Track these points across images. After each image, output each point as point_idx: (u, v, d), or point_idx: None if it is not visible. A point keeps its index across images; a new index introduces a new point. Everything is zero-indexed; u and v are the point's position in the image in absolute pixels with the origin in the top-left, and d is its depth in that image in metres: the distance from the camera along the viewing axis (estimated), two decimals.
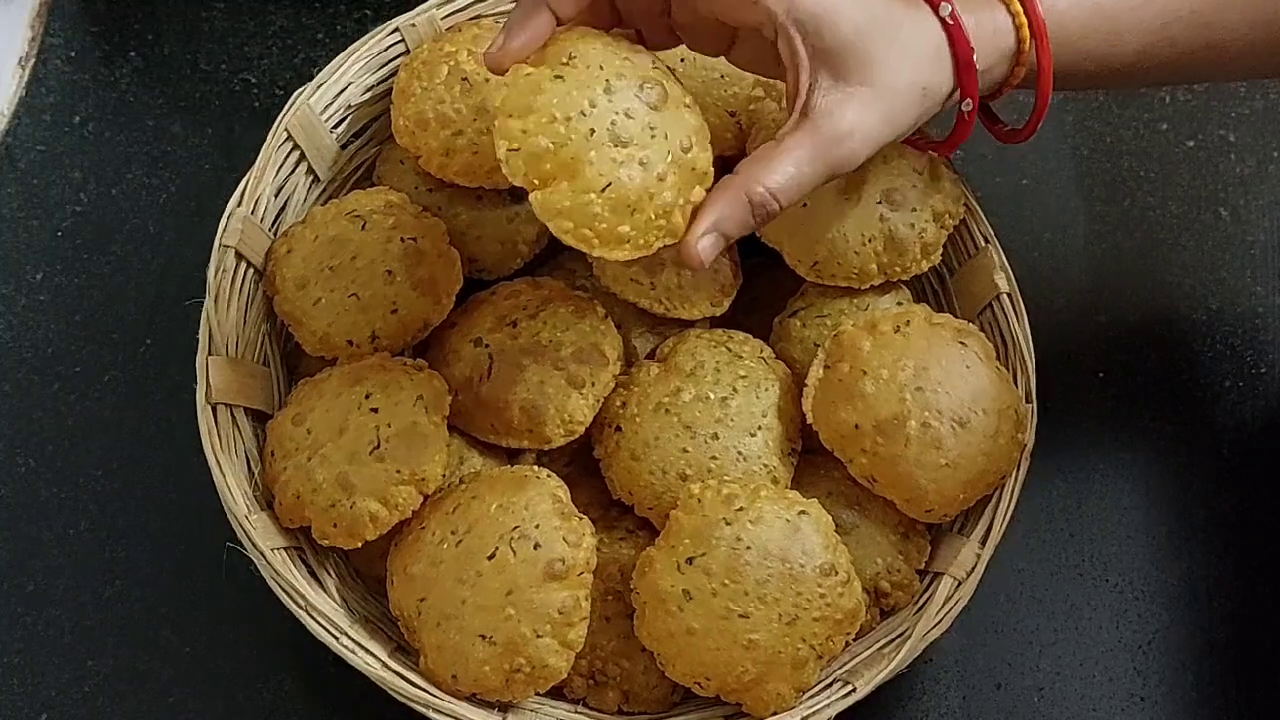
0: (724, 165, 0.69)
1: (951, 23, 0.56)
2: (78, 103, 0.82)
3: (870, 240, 0.64)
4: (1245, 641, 0.69)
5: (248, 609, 0.67)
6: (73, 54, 0.84)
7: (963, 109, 0.58)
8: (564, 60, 0.52)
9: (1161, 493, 0.72)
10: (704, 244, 0.54)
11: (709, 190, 0.55)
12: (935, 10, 0.56)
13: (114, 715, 0.68)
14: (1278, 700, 0.68)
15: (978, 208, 0.66)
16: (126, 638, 0.69)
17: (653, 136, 0.53)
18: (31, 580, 0.70)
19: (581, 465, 0.66)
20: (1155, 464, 0.73)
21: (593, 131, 0.51)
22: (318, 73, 0.67)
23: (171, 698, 0.68)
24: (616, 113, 0.52)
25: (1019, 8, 0.57)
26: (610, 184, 0.51)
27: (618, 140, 0.52)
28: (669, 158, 0.53)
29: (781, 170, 0.54)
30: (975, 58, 0.56)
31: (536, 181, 0.52)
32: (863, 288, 0.65)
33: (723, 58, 0.59)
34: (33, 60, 0.83)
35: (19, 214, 0.79)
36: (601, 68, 0.53)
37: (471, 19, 0.69)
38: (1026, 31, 0.57)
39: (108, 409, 0.74)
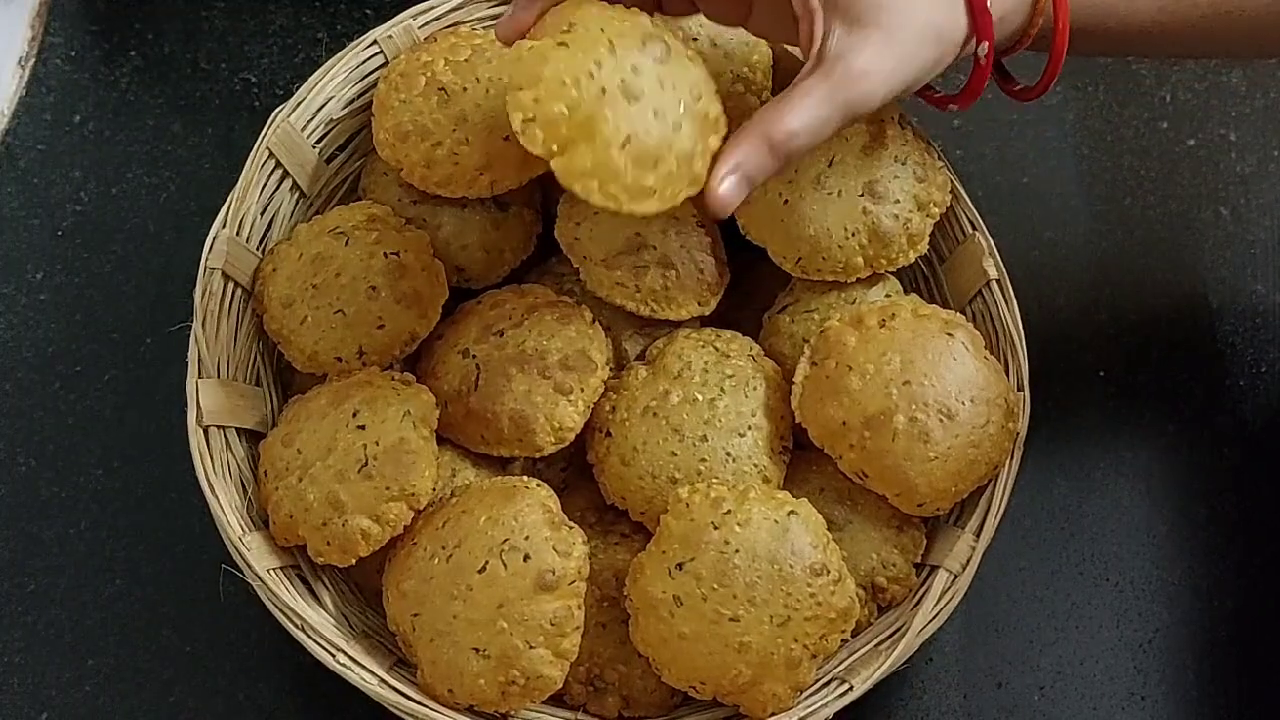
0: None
1: None
2: (78, 102, 0.82)
3: (854, 234, 0.64)
4: (1245, 641, 0.69)
5: (248, 608, 0.66)
6: (73, 54, 0.84)
7: (978, 54, 0.58)
8: (564, 29, 0.53)
9: (1161, 492, 0.72)
10: (726, 187, 0.54)
11: (725, 138, 0.55)
12: None
13: (114, 715, 0.68)
14: (1278, 700, 0.68)
15: (964, 194, 0.66)
16: (127, 637, 0.69)
17: (663, 88, 0.53)
18: (32, 580, 0.70)
19: (577, 469, 0.66)
20: (1155, 463, 0.73)
21: (604, 90, 0.52)
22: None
23: (171, 697, 0.68)
24: (624, 70, 0.52)
25: None
26: (629, 137, 0.52)
27: (630, 95, 0.52)
28: (681, 107, 0.53)
29: (800, 110, 0.54)
30: (989, 1, 0.56)
31: (556, 148, 0.52)
32: (849, 281, 0.65)
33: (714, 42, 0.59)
34: (33, 60, 0.83)
35: (19, 214, 0.79)
36: (602, 30, 0.53)
37: (448, 28, 0.69)
38: None
39: (108, 409, 0.74)
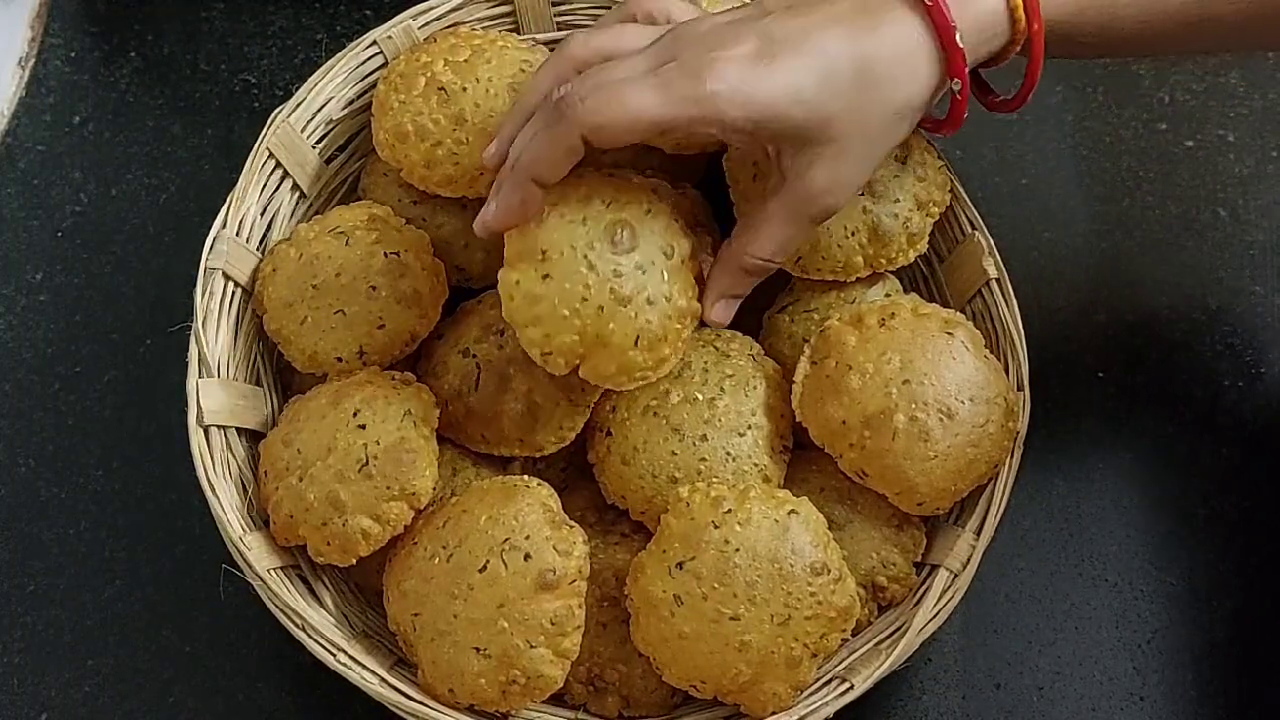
0: (711, 162, 0.69)
1: (930, 3, 0.55)
2: (78, 103, 0.82)
3: (854, 233, 0.63)
4: (1245, 641, 0.69)
5: (248, 608, 0.66)
6: (73, 54, 0.84)
7: (953, 88, 0.58)
8: (539, 258, 0.57)
9: (1161, 493, 0.72)
10: (718, 310, 0.60)
11: (698, 255, 0.61)
12: None
13: (114, 715, 0.68)
14: (1278, 700, 0.68)
15: (963, 193, 0.66)
16: (127, 637, 0.69)
17: (644, 271, 0.58)
18: (32, 580, 0.70)
19: (577, 469, 0.66)
20: (1155, 464, 0.73)
21: (601, 308, 0.57)
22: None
23: (171, 697, 0.68)
24: (609, 279, 0.57)
25: None
26: (639, 335, 0.57)
27: (622, 300, 0.57)
28: (663, 276, 0.58)
29: (767, 237, 0.58)
30: (959, 36, 0.55)
31: (579, 363, 0.58)
32: (849, 280, 0.65)
33: None
34: (33, 60, 0.84)
35: (19, 214, 0.79)
36: (573, 247, 0.57)
37: (448, 28, 0.69)
38: (1021, 12, 0.57)
39: (108, 409, 0.74)
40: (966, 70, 0.57)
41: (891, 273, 0.67)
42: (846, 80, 0.54)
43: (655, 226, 0.59)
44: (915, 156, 0.64)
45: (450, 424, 0.63)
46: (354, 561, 0.60)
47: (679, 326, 0.59)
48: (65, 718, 0.68)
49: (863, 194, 0.63)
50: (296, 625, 0.58)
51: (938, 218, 0.65)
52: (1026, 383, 0.63)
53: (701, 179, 0.70)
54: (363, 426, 0.60)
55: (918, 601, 0.60)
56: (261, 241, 0.67)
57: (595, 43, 0.59)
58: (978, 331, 0.63)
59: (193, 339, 0.62)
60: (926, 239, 0.65)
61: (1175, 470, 0.73)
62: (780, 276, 0.67)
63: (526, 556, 0.57)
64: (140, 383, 0.75)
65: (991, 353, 0.63)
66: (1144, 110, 0.82)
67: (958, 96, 0.59)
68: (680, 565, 0.57)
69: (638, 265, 0.58)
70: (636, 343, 0.58)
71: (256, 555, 0.59)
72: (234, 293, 0.65)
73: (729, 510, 0.58)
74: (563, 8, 0.70)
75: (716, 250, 0.64)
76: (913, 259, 0.65)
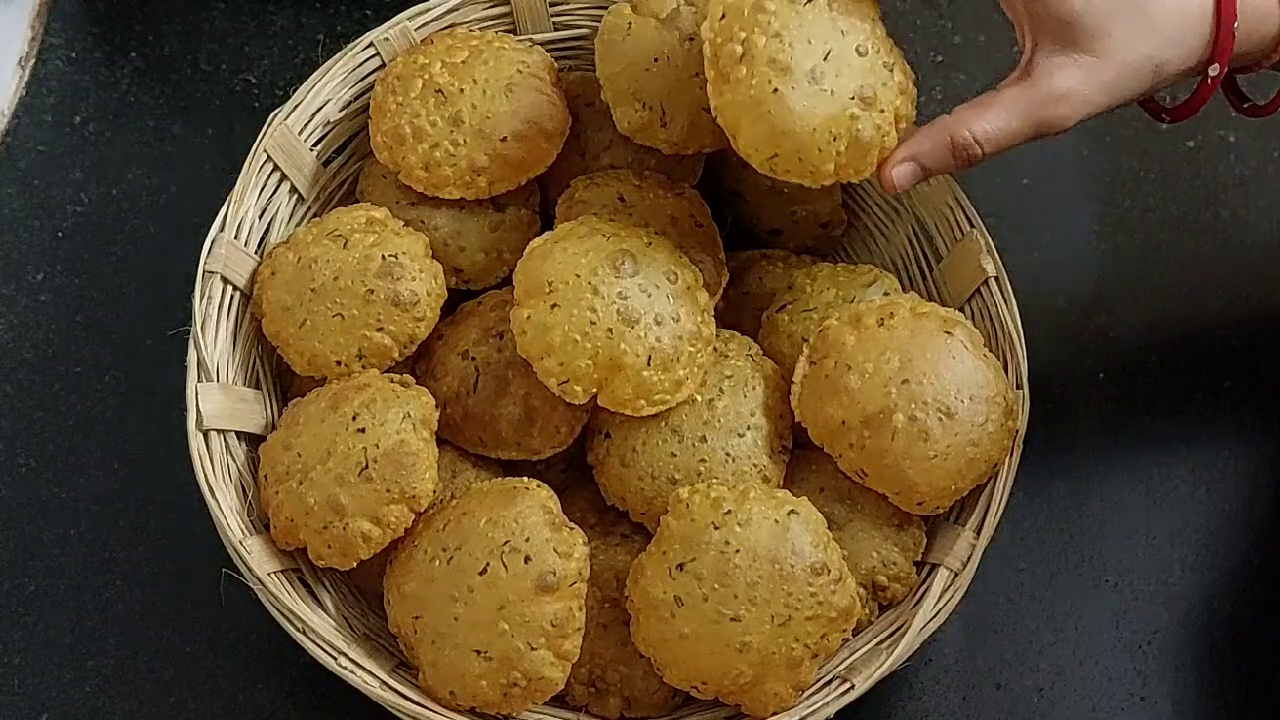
0: (710, 161, 0.69)
1: None
2: (78, 103, 0.82)
3: (835, 138, 0.58)
4: (1245, 641, 0.69)
5: (248, 610, 0.66)
6: (73, 54, 0.84)
7: (1209, 73, 0.58)
8: (546, 290, 0.60)
9: (1161, 493, 0.72)
10: (900, 171, 0.58)
11: (705, 285, 0.63)
12: None
13: (114, 715, 0.68)
14: (1278, 700, 0.68)
15: (962, 192, 0.65)
16: (127, 638, 0.69)
17: (649, 295, 0.60)
18: (32, 580, 0.70)
19: (577, 470, 0.66)
20: (1154, 464, 0.73)
21: (610, 331, 0.59)
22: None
23: (172, 698, 0.68)
24: (615, 302, 0.59)
25: None
26: (650, 354, 0.59)
27: (630, 321, 0.59)
28: (669, 299, 0.60)
29: (991, 119, 0.56)
30: (1236, 25, 0.56)
31: (596, 390, 0.60)
32: (815, 186, 0.60)
33: None
34: (33, 60, 0.83)
35: (19, 214, 0.79)
36: (578, 275, 0.60)
37: (445, 29, 0.69)
38: None
39: (108, 409, 0.74)
40: (1228, 59, 0.57)
41: (889, 271, 0.67)
42: (1133, 8, 0.55)
43: (657, 256, 0.61)
44: (900, 64, 0.61)
45: (448, 426, 0.63)
46: (354, 564, 0.60)
47: (691, 349, 0.61)
48: (65, 718, 0.68)
49: (854, 97, 0.59)
50: (297, 629, 0.58)
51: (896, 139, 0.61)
52: (1026, 382, 0.63)
53: (701, 179, 0.70)
54: (362, 430, 0.60)
55: (918, 601, 0.60)
56: (260, 244, 0.67)
57: None
58: (976, 330, 0.63)
59: (191, 343, 0.62)
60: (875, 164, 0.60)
61: (1175, 470, 0.73)
62: (779, 276, 0.67)
63: (527, 559, 0.57)
64: (140, 383, 0.75)
65: (990, 352, 0.63)
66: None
67: (1209, 82, 0.58)
68: (680, 566, 0.57)
69: (642, 289, 0.60)
70: (650, 362, 0.59)
71: (256, 559, 0.59)
72: (232, 296, 0.65)
73: (729, 511, 0.58)
74: (560, 8, 0.70)
75: (720, 281, 0.65)
76: (867, 175, 0.60)
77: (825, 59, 0.58)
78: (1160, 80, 0.57)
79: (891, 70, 0.60)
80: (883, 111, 0.59)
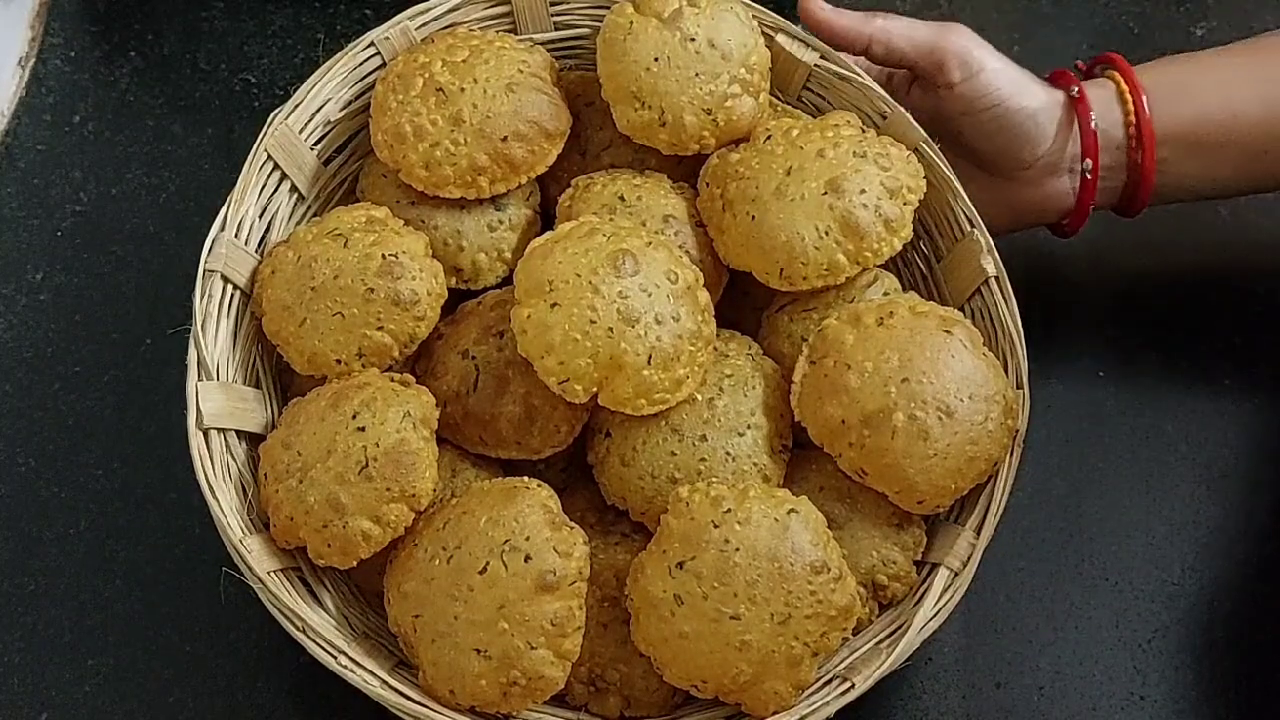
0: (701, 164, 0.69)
1: (1076, 96, 0.68)
2: (78, 103, 0.82)
3: (826, 231, 0.62)
4: (1245, 641, 0.69)
5: (248, 609, 0.67)
6: (73, 54, 0.84)
7: (1083, 169, 0.69)
8: (547, 290, 0.60)
9: (1161, 492, 0.72)
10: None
11: (703, 282, 0.63)
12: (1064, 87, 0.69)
13: (114, 715, 0.68)
14: (1278, 700, 0.68)
15: (962, 192, 0.65)
16: (127, 637, 0.69)
17: (649, 294, 0.60)
18: (32, 580, 0.70)
19: (577, 470, 0.66)
20: (1154, 463, 0.73)
21: (610, 330, 0.59)
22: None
23: (171, 697, 0.68)
24: (615, 301, 0.59)
25: (1132, 118, 0.68)
26: (650, 353, 0.59)
27: (630, 320, 0.59)
28: (669, 297, 0.60)
29: (906, 32, 0.68)
30: (1094, 122, 0.68)
31: (596, 389, 0.59)
32: (840, 281, 0.63)
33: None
34: (33, 60, 0.84)
35: (19, 214, 0.79)
36: (578, 275, 0.60)
37: (445, 29, 0.69)
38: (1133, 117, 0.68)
39: (108, 409, 0.74)
40: (1098, 154, 0.68)
41: (889, 271, 0.67)
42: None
43: (657, 256, 0.61)
44: (876, 149, 0.64)
45: (448, 425, 0.63)
46: (354, 563, 0.60)
47: (691, 349, 0.61)
48: (65, 718, 0.68)
49: (825, 192, 0.62)
50: (297, 628, 0.58)
51: (916, 204, 0.64)
52: (1026, 381, 0.63)
53: None
54: (362, 429, 0.60)
55: (918, 600, 0.60)
56: (260, 243, 0.67)
57: None
58: (976, 329, 0.63)
59: (191, 342, 0.62)
60: (910, 226, 0.64)
61: (1174, 470, 0.73)
62: None
63: (527, 558, 0.57)
64: (140, 382, 0.75)
65: (990, 351, 0.63)
66: None
67: (1088, 177, 0.69)
68: (680, 565, 0.57)
69: (642, 288, 0.60)
70: (650, 361, 0.59)
71: (256, 557, 0.59)
72: (233, 295, 0.65)
73: (729, 510, 0.58)
74: (560, 8, 0.70)
75: (720, 281, 0.66)
76: (899, 247, 0.63)
77: (787, 174, 0.63)
78: (1043, 120, 0.68)
79: (863, 156, 0.64)
80: (864, 192, 0.63)
